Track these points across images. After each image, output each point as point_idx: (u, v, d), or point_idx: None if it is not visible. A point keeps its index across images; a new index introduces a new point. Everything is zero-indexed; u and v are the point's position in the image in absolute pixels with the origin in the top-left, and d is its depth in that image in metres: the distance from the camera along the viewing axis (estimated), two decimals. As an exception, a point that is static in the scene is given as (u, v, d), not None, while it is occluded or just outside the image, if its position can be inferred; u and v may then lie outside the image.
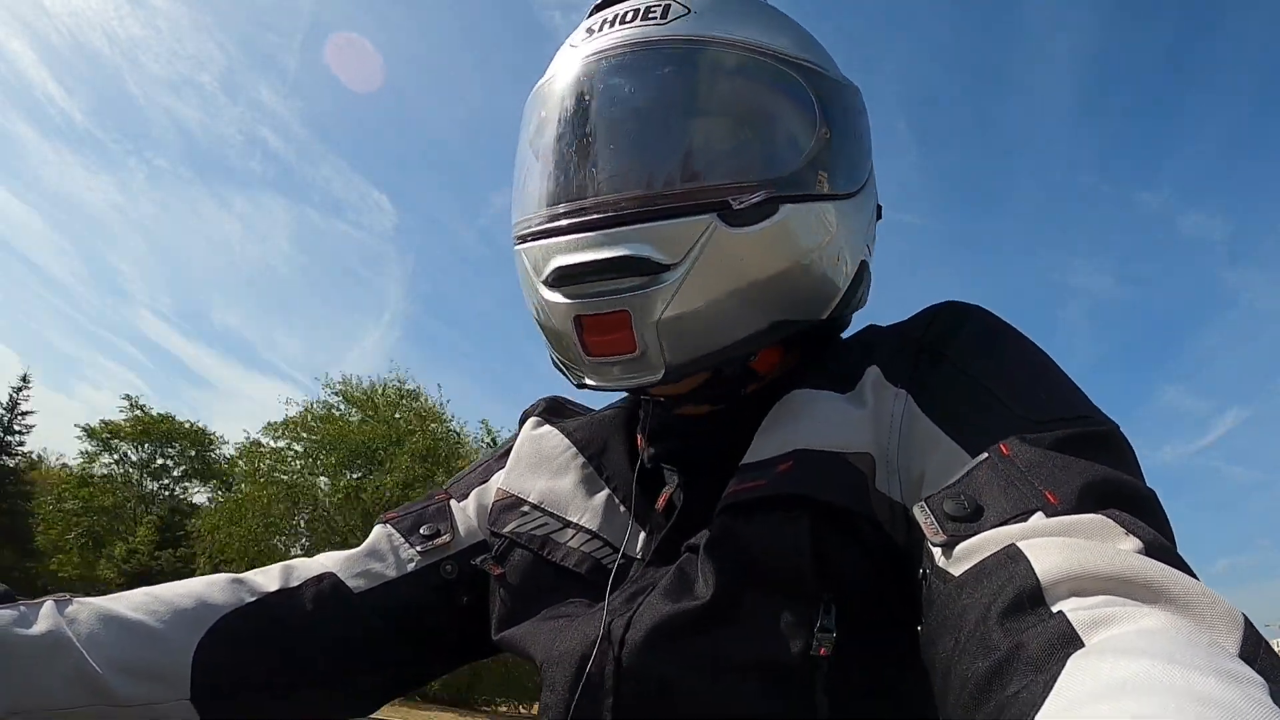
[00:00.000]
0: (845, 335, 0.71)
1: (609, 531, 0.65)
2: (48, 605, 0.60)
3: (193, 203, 56.41)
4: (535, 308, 0.65)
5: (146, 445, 29.17)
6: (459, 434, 19.69)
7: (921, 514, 0.49)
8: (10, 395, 25.21)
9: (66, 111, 51.74)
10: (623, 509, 0.66)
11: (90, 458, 29.04)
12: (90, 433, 29.50)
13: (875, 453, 0.56)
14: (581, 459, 0.71)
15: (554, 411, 0.80)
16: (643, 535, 0.64)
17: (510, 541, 0.69)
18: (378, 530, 0.75)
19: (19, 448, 26.38)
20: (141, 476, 29.32)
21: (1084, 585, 0.38)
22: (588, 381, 0.64)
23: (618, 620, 0.56)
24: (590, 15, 0.68)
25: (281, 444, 19.23)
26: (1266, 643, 0.34)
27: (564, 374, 0.68)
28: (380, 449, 18.24)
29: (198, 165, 55.13)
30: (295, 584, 0.69)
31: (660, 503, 0.64)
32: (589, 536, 0.66)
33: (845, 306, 0.68)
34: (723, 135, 0.62)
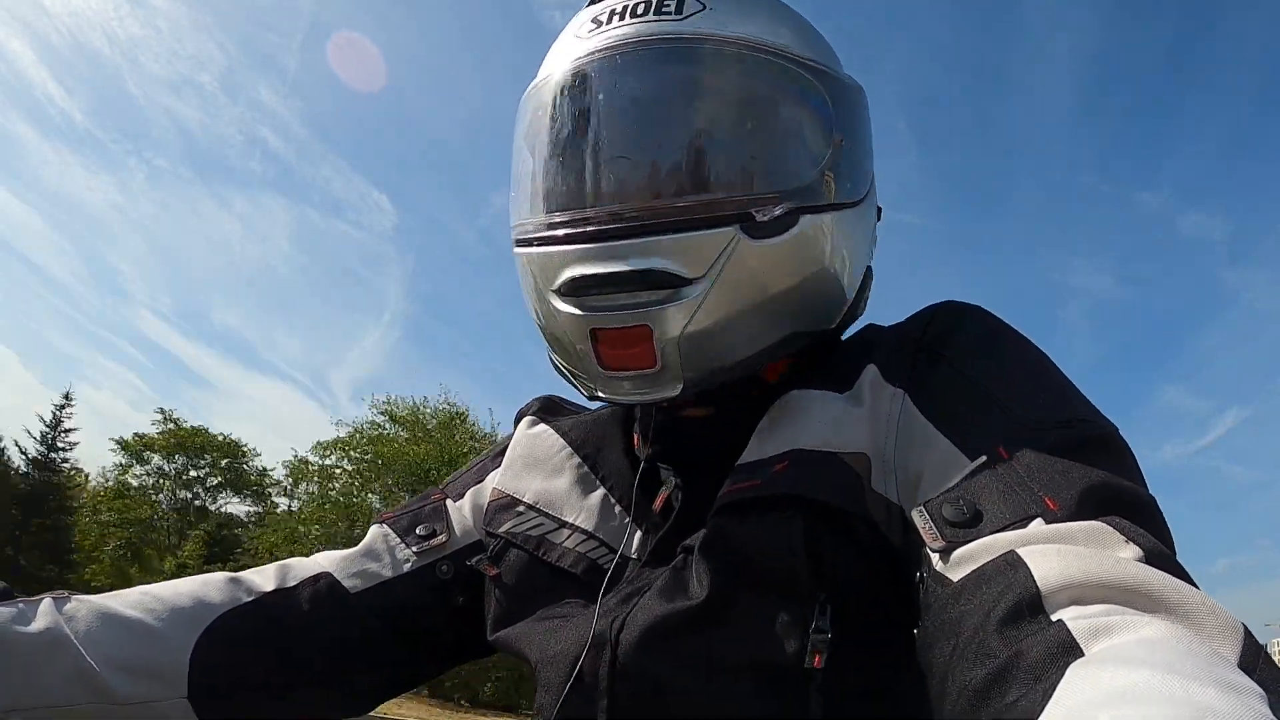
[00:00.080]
0: (844, 335, 0.71)
1: (605, 532, 0.65)
2: (46, 603, 0.61)
3: (193, 203, 56.81)
4: (542, 315, 0.64)
5: (178, 457, 29.68)
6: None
7: (920, 518, 0.49)
8: (53, 413, 25.61)
9: (66, 111, 52.30)
10: (618, 509, 0.66)
11: (123, 469, 29.51)
12: (124, 445, 29.95)
13: (872, 453, 0.55)
14: (577, 459, 0.71)
15: (549, 410, 0.80)
16: (638, 535, 0.64)
17: (506, 542, 0.68)
18: (374, 530, 0.75)
19: (63, 464, 26.80)
20: (175, 487, 29.83)
21: (1084, 593, 0.38)
22: (599, 394, 0.64)
23: (613, 621, 0.56)
24: (593, 2, 0.65)
25: (329, 461, 19.95)
26: (1266, 653, 0.34)
27: (570, 381, 0.68)
28: (434, 469, 18.86)
29: (198, 165, 55.72)
30: (292, 584, 0.69)
31: (658, 503, 0.63)
32: (584, 537, 0.65)
33: (852, 314, 0.68)
34: (745, 143, 0.60)
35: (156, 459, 29.85)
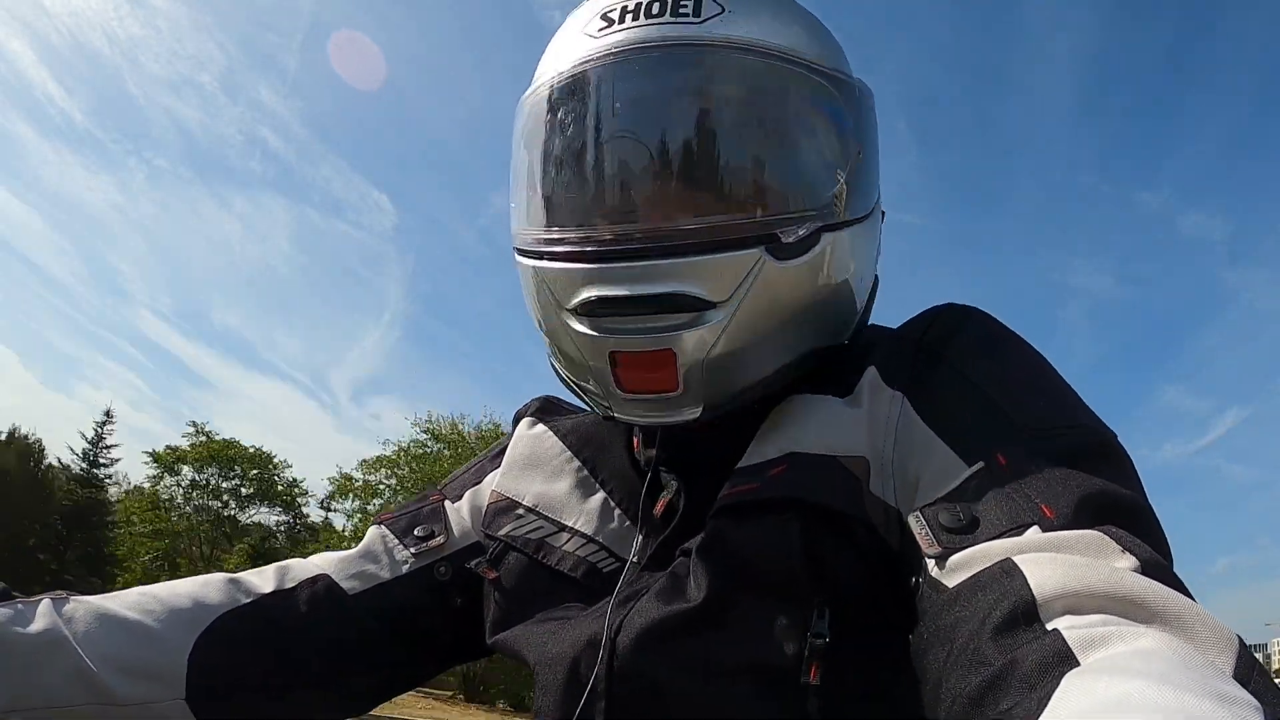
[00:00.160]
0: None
1: (605, 536, 0.65)
2: (45, 604, 0.61)
3: (193, 203, 57.70)
4: (552, 331, 0.62)
5: (209, 469, 30.22)
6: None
7: (916, 524, 0.49)
8: (95, 430, 25.97)
9: (66, 111, 53.40)
10: (618, 513, 0.66)
11: (155, 480, 30.06)
12: (156, 458, 30.49)
13: (870, 456, 0.55)
14: (577, 462, 0.71)
15: (548, 411, 0.79)
16: (638, 539, 0.63)
17: (505, 545, 0.68)
18: (372, 532, 0.75)
19: (106, 480, 27.12)
20: (205, 498, 30.39)
21: (1080, 603, 0.38)
22: (614, 415, 0.62)
23: (611, 623, 0.56)
24: None
25: (373, 478, 20.67)
26: (1260, 665, 0.34)
27: (580, 397, 0.67)
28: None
29: (198, 165, 56.72)
30: (290, 585, 0.69)
31: (659, 508, 0.63)
32: (584, 541, 0.65)
33: (861, 323, 0.67)
34: (771, 160, 0.59)
35: (187, 469, 30.38)
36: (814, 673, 0.50)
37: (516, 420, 0.81)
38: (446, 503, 0.77)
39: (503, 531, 0.69)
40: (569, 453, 0.72)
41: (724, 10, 0.58)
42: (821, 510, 0.53)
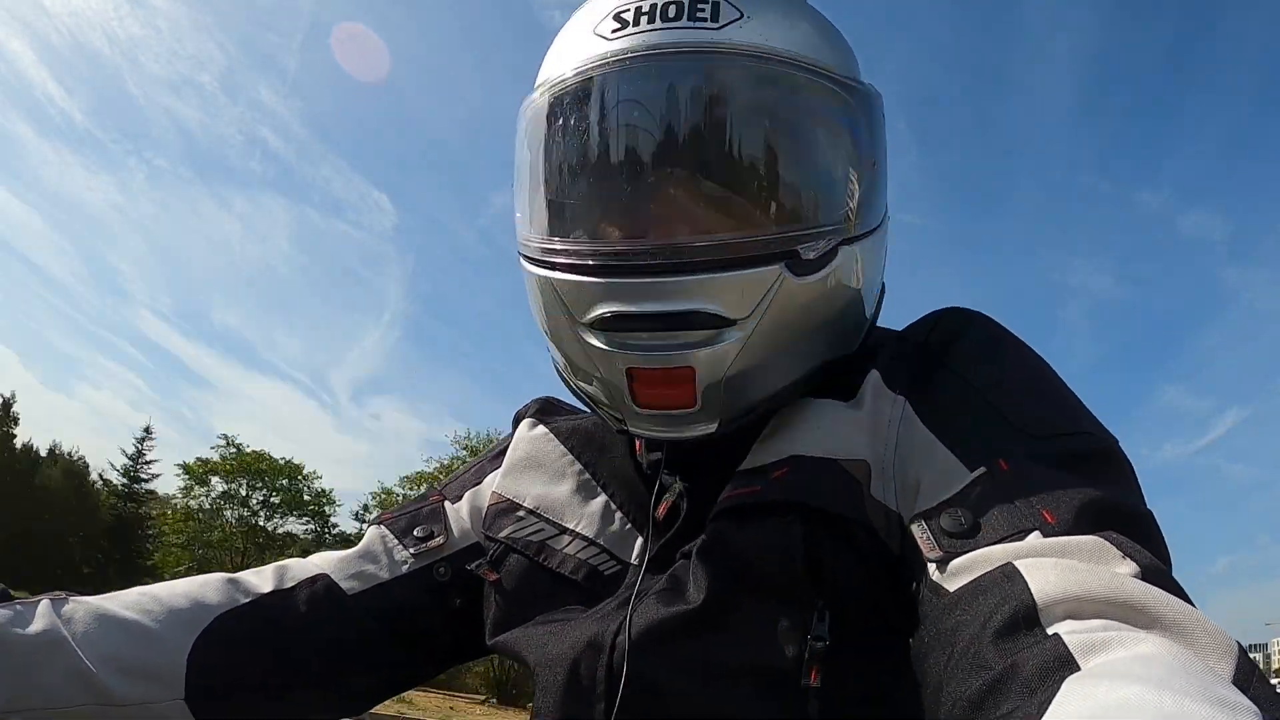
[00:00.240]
0: None
1: (606, 539, 0.65)
2: (44, 604, 0.61)
3: (193, 203, 57.57)
4: (564, 342, 0.61)
5: (239, 480, 31.06)
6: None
7: (918, 528, 0.49)
8: (135, 446, 26.63)
9: (66, 111, 53.39)
10: (619, 516, 0.66)
11: (186, 492, 30.95)
12: (187, 470, 31.32)
13: (872, 459, 0.55)
14: (578, 465, 0.71)
15: (548, 412, 0.79)
16: (639, 542, 0.64)
17: (505, 547, 0.68)
18: (372, 532, 0.75)
19: (147, 495, 27.77)
20: (235, 508, 31.24)
21: (1080, 608, 0.38)
22: (628, 429, 0.62)
23: (611, 625, 0.56)
24: None
25: (414, 493, 21.30)
26: (1260, 670, 0.34)
27: (591, 409, 0.67)
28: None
29: (198, 165, 56.74)
30: (289, 585, 0.69)
31: (661, 510, 0.63)
32: (586, 544, 0.65)
33: (870, 332, 0.67)
34: (791, 173, 0.58)
35: (216, 480, 31.19)
36: (814, 675, 0.50)
37: (516, 421, 0.81)
38: (446, 503, 0.77)
39: (503, 533, 0.69)
40: (570, 455, 0.72)
41: (742, 15, 0.57)
42: (822, 513, 0.53)
